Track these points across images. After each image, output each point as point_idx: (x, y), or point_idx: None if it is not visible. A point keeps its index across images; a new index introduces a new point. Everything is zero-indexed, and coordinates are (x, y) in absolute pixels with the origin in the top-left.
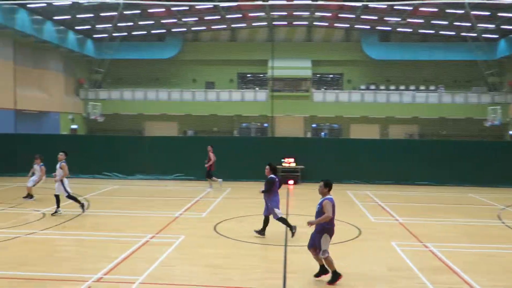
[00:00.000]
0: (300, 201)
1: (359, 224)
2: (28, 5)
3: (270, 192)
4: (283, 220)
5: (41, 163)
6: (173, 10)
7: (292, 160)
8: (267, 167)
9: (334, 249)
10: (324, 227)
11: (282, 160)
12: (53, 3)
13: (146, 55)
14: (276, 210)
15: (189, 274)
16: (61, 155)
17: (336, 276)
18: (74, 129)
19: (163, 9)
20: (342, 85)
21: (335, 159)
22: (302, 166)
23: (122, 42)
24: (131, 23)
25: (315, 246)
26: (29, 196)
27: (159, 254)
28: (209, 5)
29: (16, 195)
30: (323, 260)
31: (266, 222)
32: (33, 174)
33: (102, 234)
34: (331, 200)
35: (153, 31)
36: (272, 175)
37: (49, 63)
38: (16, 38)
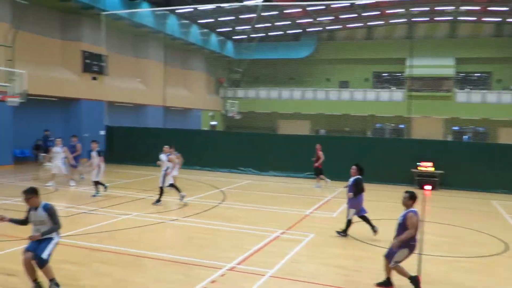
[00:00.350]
0: (437, 208)
1: (506, 238)
2: (176, 11)
3: (358, 192)
4: (349, 223)
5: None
6: (309, 10)
7: (430, 164)
8: (354, 167)
9: (473, 263)
10: (407, 242)
11: (418, 163)
12: (198, 8)
13: (282, 55)
14: (351, 210)
15: (317, 272)
16: (166, 148)
17: (415, 281)
18: (214, 125)
19: (300, 9)
20: (490, 84)
21: (480, 165)
22: (441, 171)
23: (259, 42)
24: (269, 24)
25: (390, 256)
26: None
27: (289, 250)
28: (346, 3)
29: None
30: (392, 271)
31: (366, 221)
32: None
33: (236, 225)
34: (415, 213)
35: (289, 31)
36: (359, 176)
37: (194, 63)
38: (166, 41)
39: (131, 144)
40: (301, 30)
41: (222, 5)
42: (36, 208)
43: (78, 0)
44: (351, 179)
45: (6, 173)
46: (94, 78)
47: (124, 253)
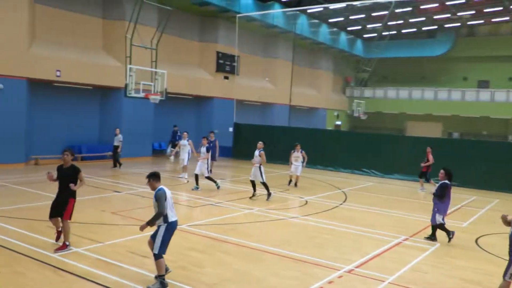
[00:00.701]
0: None
1: None
2: (308, 11)
3: (442, 197)
4: (441, 226)
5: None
6: (448, 5)
7: None
8: (442, 171)
9: None
10: None
11: None
12: (329, 7)
13: (415, 53)
14: (437, 215)
15: (442, 284)
16: (260, 144)
17: None
18: (338, 125)
19: (437, 4)
20: None
21: None
22: None
23: (390, 40)
24: (401, 21)
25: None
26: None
27: (411, 257)
28: None
29: (285, 181)
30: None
31: (443, 229)
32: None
33: (356, 228)
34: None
35: (424, 28)
36: (446, 181)
37: (321, 63)
38: (295, 41)
39: (256, 141)
40: (436, 27)
41: (353, 3)
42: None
43: (216, 4)
44: (438, 183)
45: (145, 164)
46: (226, 78)
47: (244, 245)
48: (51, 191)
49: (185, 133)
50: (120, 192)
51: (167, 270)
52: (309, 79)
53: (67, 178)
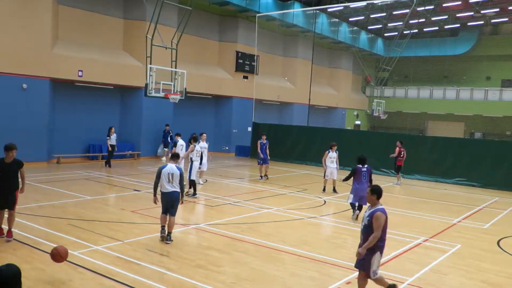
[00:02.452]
0: None
1: None
2: (328, 9)
3: (348, 179)
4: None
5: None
6: (471, 3)
7: None
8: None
9: None
10: (376, 245)
11: None
12: (350, 6)
13: (436, 52)
14: (350, 196)
15: (462, 286)
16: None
17: None
18: (358, 125)
19: (459, 2)
20: None
21: None
22: None
23: (411, 39)
24: (423, 20)
25: (364, 268)
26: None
27: (431, 259)
28: None
29: (304, 181)
30: (374, 282)
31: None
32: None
33: None
34: (383, 211)
35: (446, 26)
36: (359, 165)
37: (340, 62)
38: (315, 40)
39: (275, 140)
40: (459, 25)
41: (374, 1)
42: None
43: (235, 4)
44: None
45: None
46: (245, 77)
47: (262, 245)
48: (74, 190)
49: (204, 134)
50: (139, 191)
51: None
52: (329, 79)
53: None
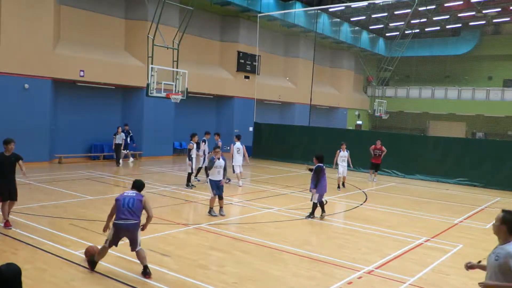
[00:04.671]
0: None
1: None
2: (329, 9)
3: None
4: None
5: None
6: (473, 2)
7: None
8: (315, 157)
9: None
10: None
11: None
12: (351, 6)
13: (438, 52)
14: (314, 195)
15: (465, 287)
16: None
17: None
18: (359, 125)
19: (461, 2)
20: None
21: None
22: None
23: (413, 39)
24: (425, 19)
25: None
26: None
27: (432, 259)
28: None
29: (306, 181)
30: None
31: (321, 206)
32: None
33: (377, 228)
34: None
35: (447, 26)
36: (320, 164)
37: (342, 62)
38: (316, 40)
39: (276, 140)
40: (460, 25)
41: (375, 1)
42: None
43: (237, 4)
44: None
45: (167, 163)
46: (247, 77)
47: (264, 245)
48: (76, 189)
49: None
50: None
51: None
52: (330, 78)
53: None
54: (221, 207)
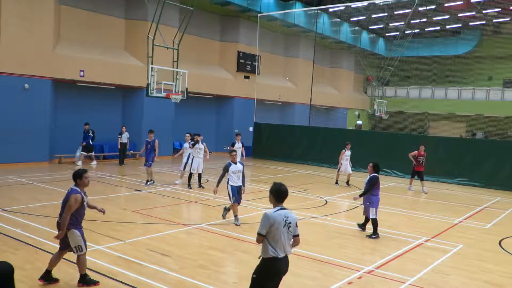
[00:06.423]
0: None
1: None
2: (329, 9)
3: (370, 190)
4: (374, 221)
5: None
6: (473, 2)
7: None
8: (370, 164)
9: None
10: None
11: None
12: (351, 6)
13: (438, 52)
14: (370, 209)
15: (465, 286)
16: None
17: None
18: (359, 125)
19: (461, 2)
20: None
21: None
22: None
23: (413, 39)
24: (425, 19)
25: None
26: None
27: (432, 259)
28: None
29: (306, 181)
30: None
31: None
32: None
33: (378, 228)
34: None
35: (447, 26)
36: (375, 174)
37: (342, 62)
38: (316, 40)
39: (276, 140)
40: (460, 25)
41: (375, 1)
42: None
43: (237, 4)
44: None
45: (166, 162)
46: (247, 77)
47: None
48: None
49: (188, 135)
50: (141, 191)
51: None
52: (330, 78)
53: None
54: (236, 216)
